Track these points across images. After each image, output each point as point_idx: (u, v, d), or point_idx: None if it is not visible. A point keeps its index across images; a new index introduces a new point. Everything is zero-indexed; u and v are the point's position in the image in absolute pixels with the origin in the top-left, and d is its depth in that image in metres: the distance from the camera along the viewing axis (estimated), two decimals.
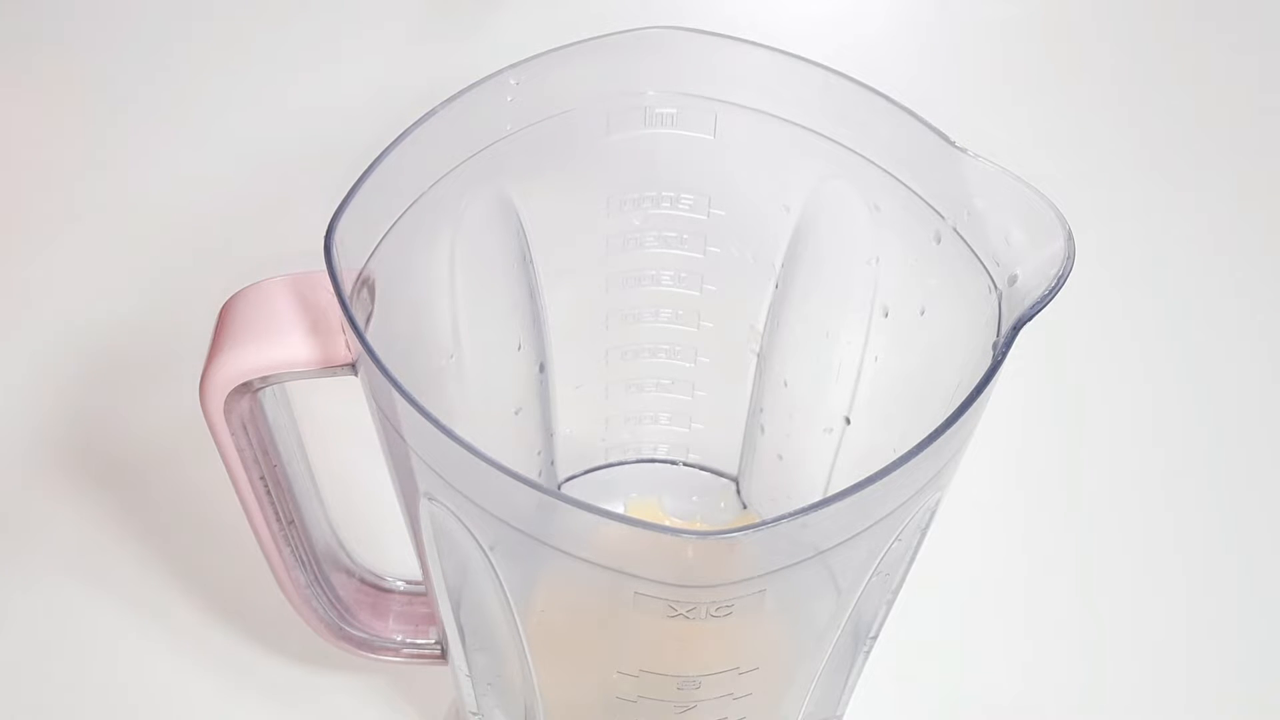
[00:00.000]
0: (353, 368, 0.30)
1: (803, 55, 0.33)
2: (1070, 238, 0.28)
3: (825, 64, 0.33)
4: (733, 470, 0.47)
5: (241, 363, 0.30)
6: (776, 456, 0.44)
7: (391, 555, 0.42)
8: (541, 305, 0.41)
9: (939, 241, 0.32)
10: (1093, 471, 0.54)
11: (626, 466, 0.47)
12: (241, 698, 0.47)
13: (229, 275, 0.37)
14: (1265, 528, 0.53)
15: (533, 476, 0.37)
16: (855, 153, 0.34)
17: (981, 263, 0.31)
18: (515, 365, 0.41)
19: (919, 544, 0.32)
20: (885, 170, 0.33)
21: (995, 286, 0.30)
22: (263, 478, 0.34)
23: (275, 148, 0.67)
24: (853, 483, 0.25)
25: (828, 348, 0.39)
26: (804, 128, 0.34)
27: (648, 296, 0.42)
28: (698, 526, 0.34)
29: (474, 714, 0.40)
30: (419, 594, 0.41)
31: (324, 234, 0.28)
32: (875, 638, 0.36)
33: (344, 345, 0.30)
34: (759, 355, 0.42)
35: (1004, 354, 0.28)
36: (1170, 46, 0.74)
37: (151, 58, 0.70)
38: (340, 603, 0.39)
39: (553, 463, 0.45)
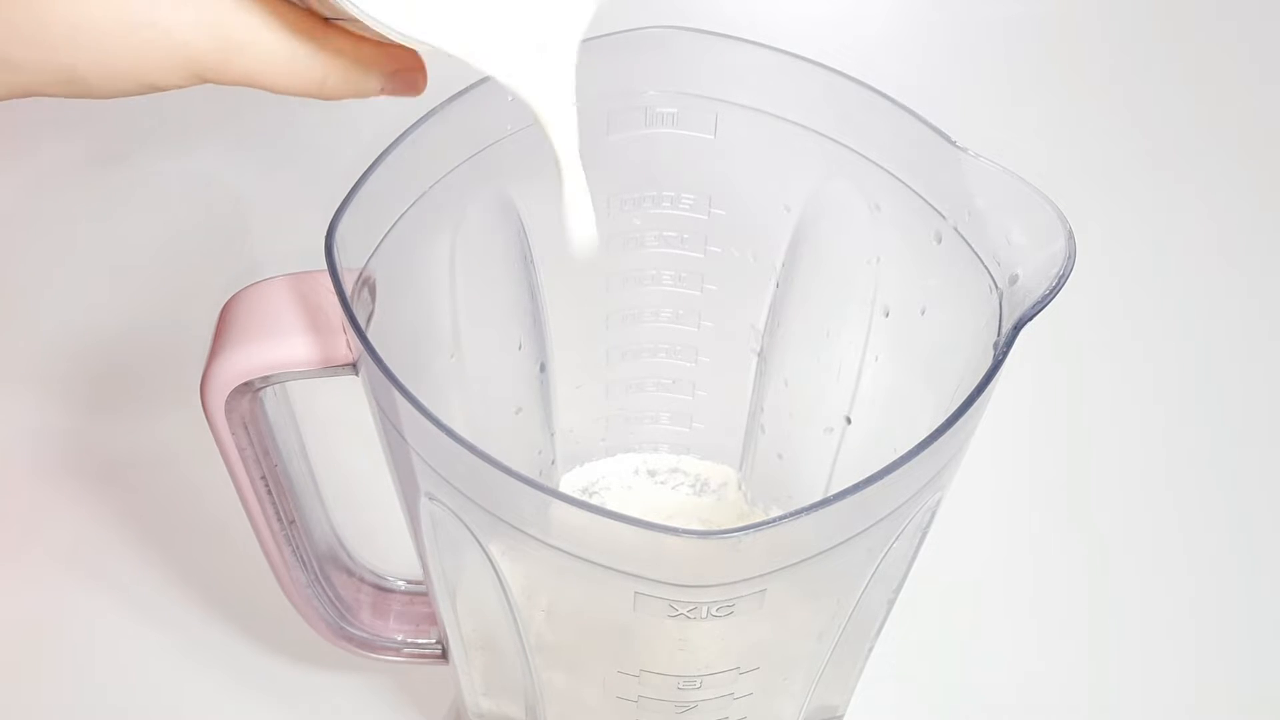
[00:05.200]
0: (353, 367, 0.30)
1: (803, 55, 0.33)
2: (1071, 237, 0.28)
3: (826, 64, 0.33)
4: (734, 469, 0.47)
5: (242, 362, 0.30)
6: (777, 456, 0.44)
7: (391, 555, 0.42)
8: (542, 305, 0.41)
9: (939, 241, 0.32)
10: (1094, 471, 0.54)
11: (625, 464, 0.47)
12: (241, 698, 0.47)
13: (229, 275, 0.37)
14: (1270, 526, 0.53)
15: (533, 476, 0.37)
16: (856, 153, 0.34)
17: (982, 262, 0.31)
18: (515, 365, 0.41)
19: (919, 544, 0.32)
20: (886, 170, 0.33)
21: (996, 286, 0.30)
22: (263, 477, 0.34)
23: (276, 147, 0.67)
24: (853, 483, 0.25)
25: (828, 347, 0.39)
26: (804, 128, 0.34)
27: (648, 296, 0.42)
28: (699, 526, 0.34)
29: (474, 714, 0.40)
30: (419, 593, 0.41)
31: (324, 234, 0.28)
32: (876, 637, 0.36)
33: (345, 345, 0.30)
34: (759, 355, 0.42)
35: (1004, 354, 0.28)
36: (1171, 45, 0.74)
37: None
38: (341, 602, 0.39)
39: (553, 462, 0.45)
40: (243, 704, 0.47)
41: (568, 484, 0.46)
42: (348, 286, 0.28)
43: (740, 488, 0.46)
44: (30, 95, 0.27)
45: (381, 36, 0.25)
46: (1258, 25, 0.76)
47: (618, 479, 0.47)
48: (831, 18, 0.75)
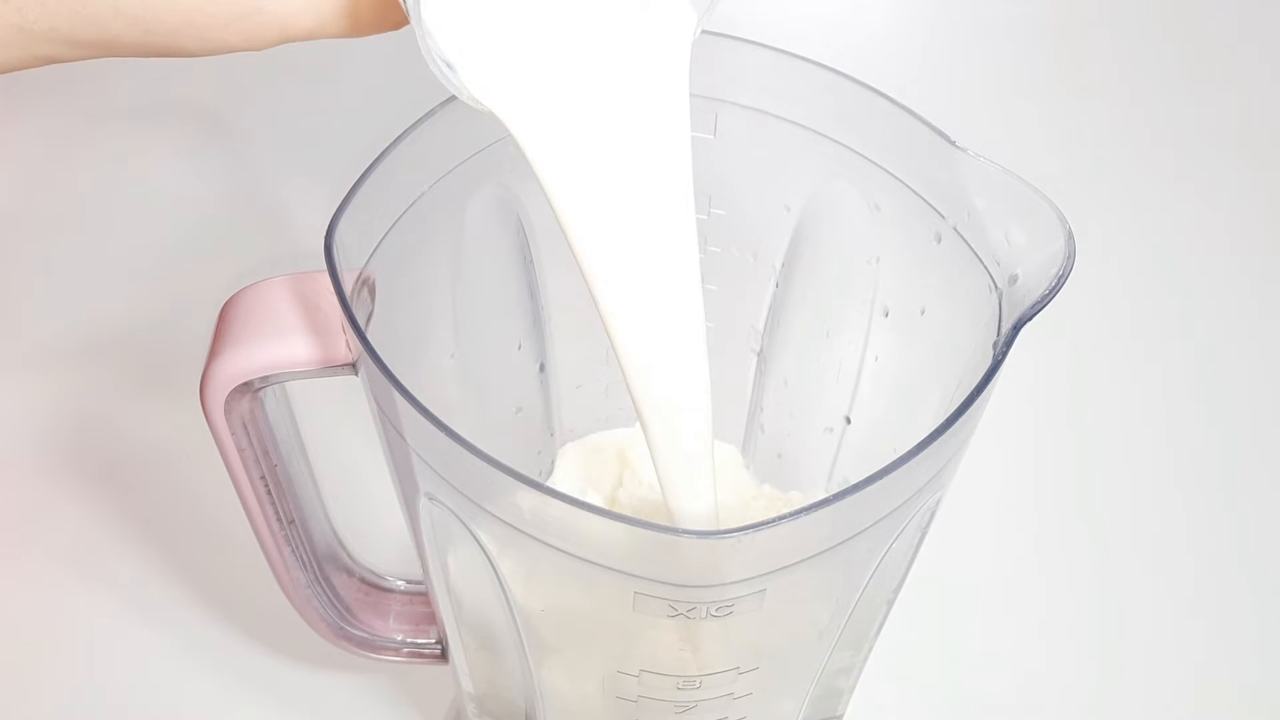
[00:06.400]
0: (353, 367, 0.30)
1: (803, 55, 0.33)
2: (1070, 237, 0.28)
3: (825, 64, 0.33)
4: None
5: (242, 363, 0.30)
6: (777, 456, 0.43)
7: (391, 555, 0.42)
8: (541, 305, 0.41)
9: (939, 241, 0.32)
10: (1095, 470, 0.54)
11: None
12: (241, 698, 0.47)
13: (229, 275, 0.37)
14: (1273, 525, 0.52)
15: (533, 476, 0.37)
16: (855, 152, 0.34)
17: (982, 262, 0.31)
18: (515, 365, 0.41)
19: (919, 544, 0.32)
20: (885, 170, 0.33)
21: (995, 286, 0.30)
22: (263, 478, 0.34)
23: (276, 147, 0.67)
24: (853, 482, 0.25)
25: (828, 347, 0.39)
26: (804, 128, 0.34)
27: None
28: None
29: (474, 713, 0.40)
30: (419, 593, 0.41)
31: (324, 234, 0.28)
32: (876, 637, 0.36)
33: (344, 345, 0.30)
34: (759, 355, 0.42)
35: (1004, 353, 0.28)
36: (1171, 45, 0.74)
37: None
38: (341, 602, 0.39)
39: (553, 462, 0.45)
40: (243, 704, 0.47)
41: (566, 463, 0.46)
42: (347, 286, 0.28)
43: (747, 466, 0.45)
44: (117, 57, 0.29)
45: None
46: (1258, 25, 0.76)
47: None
48: (831, 18, 0.75)
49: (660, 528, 0.25)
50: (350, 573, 0.40)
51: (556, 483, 0.45)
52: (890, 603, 0.34)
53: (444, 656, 0.40)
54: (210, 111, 0.69)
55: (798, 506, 0.25)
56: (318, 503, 0.38)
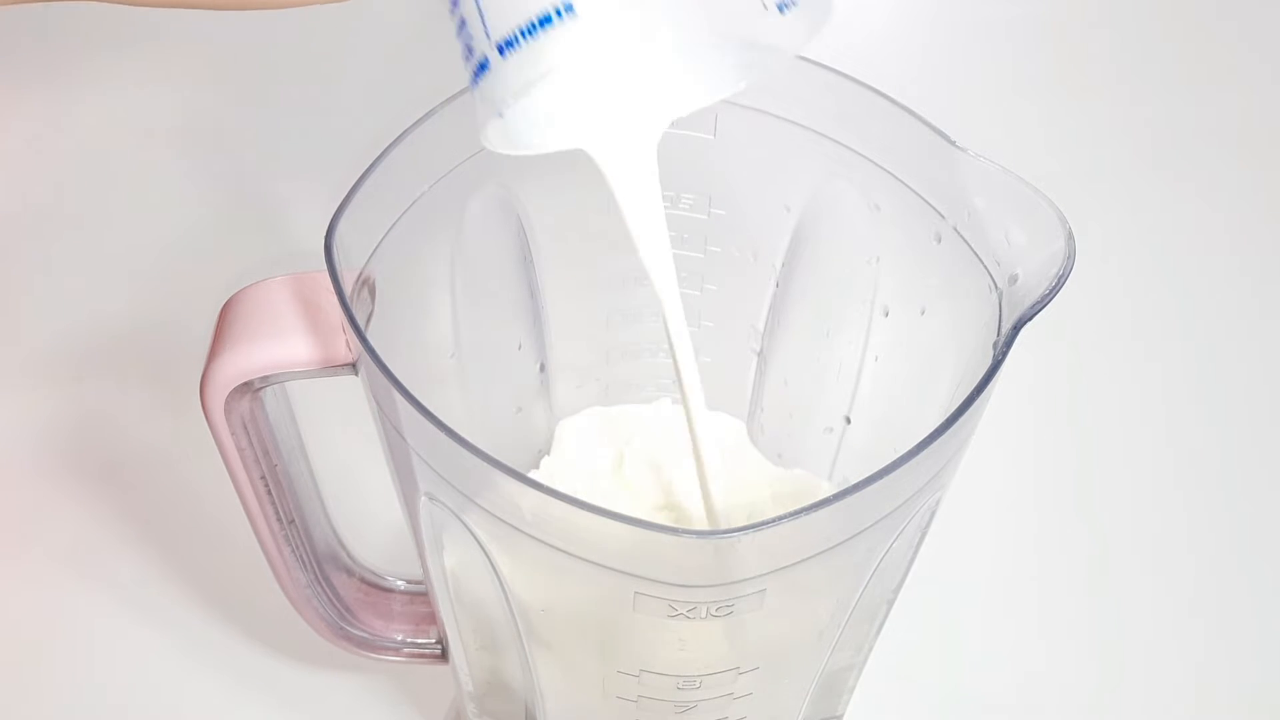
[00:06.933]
0: (353, 367, 0.30)
1: (803, 55, 0.33)
2: (1070, 237, 0.28)
3: (825, 64, 0.33)
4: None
5: (242, 362, 0.30)
6: (777, 456, 0.43)
7: (391, 555, 0.42)
8: (541, 305, 0.41)
9: (939, 241, 0.32)
10: (1095, 470, 0.54)
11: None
12: (241, 698, 0.47)
13: (229, 275, 0.37)
14: (1276, 526, 0.52)
15: (533, 475, 0.37)
16: (855, 152, 0.34)
17: (982, 262, 0.31)
18: (515, 365, 0.41)
19: (919, 543, 0.32)
20: (886, 170, 0.33)
21: (995, 286, 0.30)
22: (263, 477, 0.34)
23: (275, 146, 0.67)
24: (853, 482, 0.25)
25: (828, 347, 0.39)
26: (804, 128, 0.34)
27: (648, 296, 0.41)
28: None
29: (474, 713, 0.40)
30: (419, 593, 0.41)
31: (324, 234, 0.28)
32: (876, 636, 0.36)
33: (344, 345, 0.30)
34: (759, 355, 0.42)
35: (1004, 354, 0.28)
36: (1171, 45, 0.74)
37: (151, 56, 0.70)
38: (341, 602, 0.39)
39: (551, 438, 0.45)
40: (243, 704, 0.47)
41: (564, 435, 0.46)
42: (347, 286, 0.28)
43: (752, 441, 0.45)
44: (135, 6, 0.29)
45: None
46: (1258, 25, 0.76)
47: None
48: (831, 18, 0.74)
49: (660, 527, 0.25)
50: (350, 573, 0.40)
51: (558, 452, 0.44)
52: (890, 603, 0.34)
53: (444, 656, 0.40)
54: (210, 110, 0.69)
55: (802, 497, 0.25)
56: (318, 503, 0.38)
